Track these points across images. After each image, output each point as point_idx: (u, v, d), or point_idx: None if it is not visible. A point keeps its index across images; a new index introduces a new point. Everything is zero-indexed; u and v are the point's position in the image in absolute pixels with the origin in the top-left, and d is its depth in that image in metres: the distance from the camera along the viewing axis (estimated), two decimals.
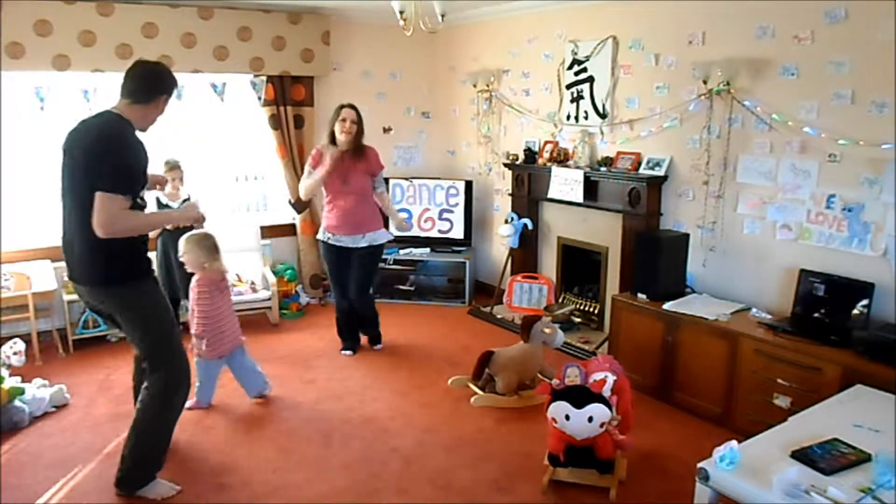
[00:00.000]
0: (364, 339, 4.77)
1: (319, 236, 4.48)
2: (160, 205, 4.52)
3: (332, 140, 4.23)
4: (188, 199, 4.63)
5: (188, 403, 3.29)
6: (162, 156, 4.60)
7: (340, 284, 4.50)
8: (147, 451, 2.94)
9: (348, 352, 4.65)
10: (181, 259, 3.73)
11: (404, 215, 4.64)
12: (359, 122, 4.23)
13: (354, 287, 4.46)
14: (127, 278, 2.83)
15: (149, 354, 2.92)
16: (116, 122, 2.73)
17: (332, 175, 4.19)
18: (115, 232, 2.65)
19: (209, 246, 3.64)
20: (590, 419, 2.79)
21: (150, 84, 2.83)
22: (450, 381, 4.14)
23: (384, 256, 5.08)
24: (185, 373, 2.99)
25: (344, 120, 4.17)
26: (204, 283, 3.65)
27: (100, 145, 2.65)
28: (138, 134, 2.78)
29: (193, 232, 3.64)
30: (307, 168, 4.32)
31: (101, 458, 3.30)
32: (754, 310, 3.74)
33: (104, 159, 2.62)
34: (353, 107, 4.23)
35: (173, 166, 4.63)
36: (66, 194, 2.78)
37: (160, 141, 5.09)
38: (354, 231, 4.33)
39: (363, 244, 4.35)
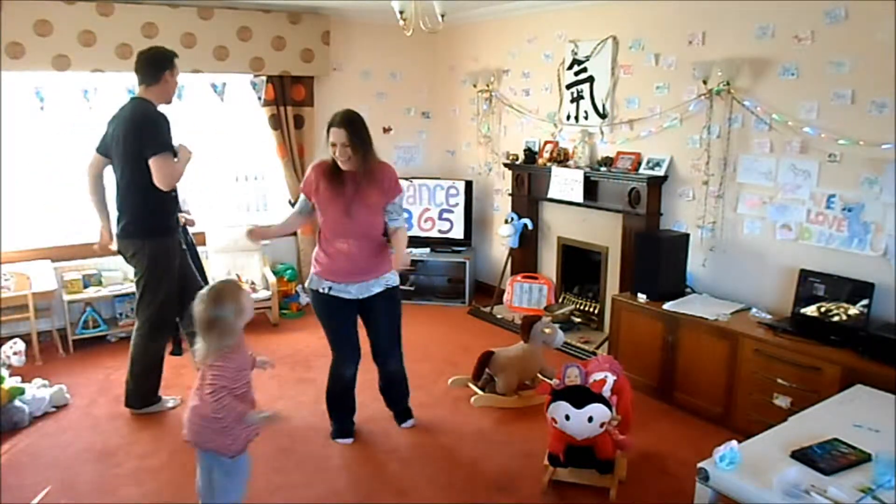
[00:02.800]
0: (387, 413, 3.68)
1: (311, 285, 3.29)
2: None
3: (333, 163, 3.15)
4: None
5: None
6: None
7: (350, 345, 3.35)
8: (142, 377, 3.71)
9: (347, 439, 3.47)
10: None
11: (408, 260, 3.19)
12: (354, 140, 3.05)
13: (382, 343, 3.43)
14: (158, 233, 3.57)
15: (141, 295, 3.62)
16: (141, 104, 3.48)
17: (329, 205, 3.17)
18: (175, 181, 3.46)
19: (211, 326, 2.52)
20: (590, 419, 2.79)
21: (151, 66, 3.48)
22: (450, 381, 4.14)
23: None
24: (167, 320, 3.71)
25: (334, 144, 3.07)
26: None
27: (137, 123, 3.40)
28: (162, 107, 3.52)
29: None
30: (300, 196, 3.34)
31: (101, 458, 3.30)
32: (754, 310, 3.74)
33: (145, 132, 3.37)
34: (344, 122, 3.06)
35: None
36: (120, 168, 3.53)
37: None
38: (363, 277, 3.24)
39: (377, 290, 3.29)
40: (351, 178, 3.13)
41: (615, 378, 2.98)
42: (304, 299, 5.71)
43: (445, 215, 5.90)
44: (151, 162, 3.35)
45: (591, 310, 5.05)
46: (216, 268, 5.22)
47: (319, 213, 3.23)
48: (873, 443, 2.34)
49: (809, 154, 3.54)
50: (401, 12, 3.78)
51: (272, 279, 5.31)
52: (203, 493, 2.58)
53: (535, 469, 3.14)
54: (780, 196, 3.69)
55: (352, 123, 3.08)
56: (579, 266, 5.21)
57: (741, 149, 3.84)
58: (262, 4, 5.18)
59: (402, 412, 3.66)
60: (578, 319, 5.05)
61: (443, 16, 3.88)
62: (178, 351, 4.58)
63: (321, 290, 3.26)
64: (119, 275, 4.99)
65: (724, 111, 3.87)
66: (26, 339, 4.41)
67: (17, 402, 3.63)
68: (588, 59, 4.74)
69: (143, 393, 3.75)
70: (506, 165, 5.45)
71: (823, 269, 3.49)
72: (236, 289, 2.50)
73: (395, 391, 3.64)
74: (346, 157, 3.08)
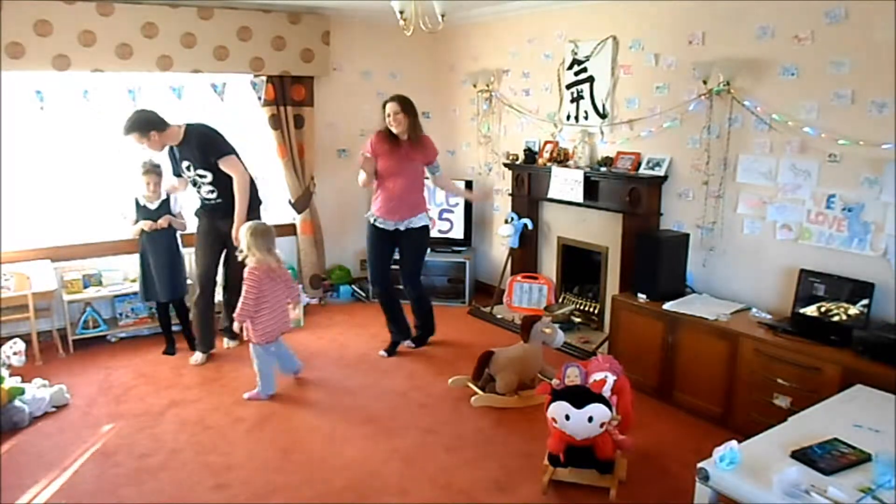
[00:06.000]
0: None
1: (367, 217, 4.51)
2: (138, 206, 4.44)
3: (388, 131, 4.29)
4: (167, 199, 4.50)
5: (248, 394, 3.96)
6: (162, 157, 4.55)
7: (373, 266, 4.56)
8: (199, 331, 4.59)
9: (385, 353, 4.64)
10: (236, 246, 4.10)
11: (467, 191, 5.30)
12: (405, 111, 4.23)
13: (404, 269, 4.58)
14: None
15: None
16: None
17: (387, 158, 4.29)
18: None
19: (262, 237, 3.87)
20: (590, 419, 2.79)
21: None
22: (450, 381, 4.14)
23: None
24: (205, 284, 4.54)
25: (388, 115, 4.24)
26: (254, 269, 3.85)
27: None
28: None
29: (256, 223, 3.97)
30: (361, 154, 4.42)
31: (101, 458, 3.30)
32: (754, 310, 3.74)
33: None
34: (397, 98, 4.26)
35: (149, 170, 4.42)
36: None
37: None
38: (401, 216, 4.38)
39: (402, 227, 4.41)
40: (404, 143, 4.31)
41: (615, 378, 2.98)
42: (305, 299, 5.70)
43: (445, 215, 5.89)
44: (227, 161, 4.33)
45: (591, 310, 5.05)
46: None
47: (379, 164, 4.35)
48: (873, 443, 2.34)
49: (809, 154, 3.53)
50: (401, 12, 3.78)
51: None
52: (290, 362, 4.18)
53: (535, 469, 3.14)
54: (780, 196, 3.69)
55: (406, 100, 4.29)
56: (579, 266, 5.21)
57: (741, 149, 3.84)
58: (262, 4, 5.18)
59: (418, 338, 4.76)
60: (578, 319, 5.05)
61: (443, 16, 3.88)
62: (171, 350, 4.63)
63: (371, 221, 4.48)
64: (119, 275, 4.99)
65: (724, 111, 3.87)
66: (26, 339, 4.41)
67: (17, 402, 3.63)
68: (588, 59, 4.73)
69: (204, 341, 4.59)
70: (506, 165, 5.45)
71: (823, 269, 3.49)
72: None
73: (421, 315, 4.74)
74: (400, 123, 4.24)
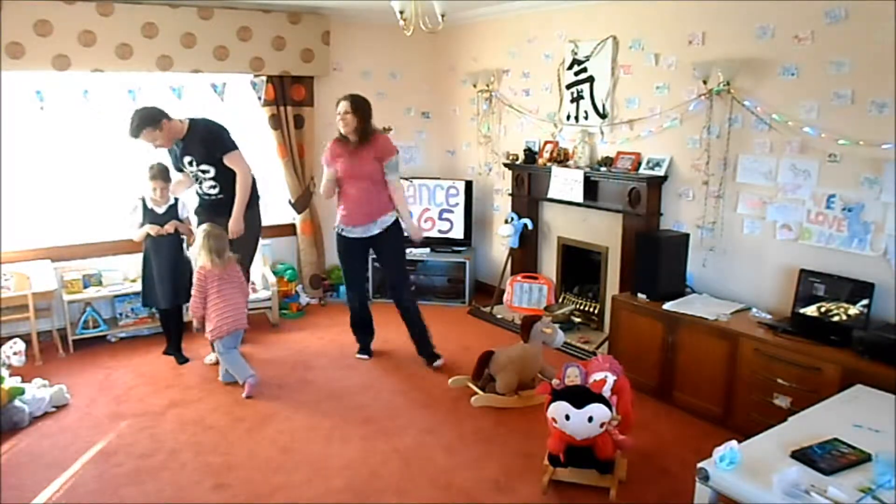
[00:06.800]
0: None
1: (335, 228, 4.39)
2: (146, 208, 4.35)
3: (341, 135, 4.19)
4: (175, 204, 4.43)
5: (244, 392, 4.00)
6: (162, 157, 4.54)
7: (349, 278, 4.46)
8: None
9: (363, 355, 4.58)
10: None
11: (416, 226, 4.57)
12: (356, 110, 4.06)
13: (390, 276, 4.44)
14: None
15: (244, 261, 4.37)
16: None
17: (341, 164, 4.17)
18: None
19: (213, 240, 3.99)
20: (590, 419, 2.79)
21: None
22: (450, 381, 4.14)
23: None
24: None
25: (338, 114, 4.11)
26: (199, 269, 4.05)
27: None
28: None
29: (211, 226, 4.06)
30: (323, 166, 4.33)
31: (101, 458, 3.30)
32: (754, 310, 3.74)
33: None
34: (349, 98, 4.11)
35: (156, 174, 4.33)
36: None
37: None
38: (364, 220, 4.21)
39: (376, 231, 4.23)
40: (353, 144, 4.13)
41: (615, 378, 2.98)
42: (305, 299, 5.71)
43: (445, 215, 5.89)
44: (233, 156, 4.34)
45: (591, 310, 5.05)
46: None
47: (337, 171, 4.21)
48: (873, 443, 2.34)
49: (809, 154, 3.53)
50: (401, 12, 3.77)
51: (272, 279, 5.31)
52: (240, 369, 4.04)
53: (535, 469, 3.14)
54: (780, 196, 3.69)
55: (358, 100, 4.12)
56: (579, 266, 5.21)
57: (741, 149, 3.84)
58: (262, 4, 5.18)
59: (429, 356, 4.44)
60: (578, 319, 5.05)
61: (443, 16, 3.88)
62: (178, 356, 4.58)
63: (338, 231, 4.32)
64: (119, 275, 4.99)
65: (724, 111, 3.87)
66: (26, 339, 4.41)
67: (17, 402, 3.63)
68: (588, 59, 4.73)
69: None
70: (506, 165, 5.45)
71: (823, 269, 3.49)
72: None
73: (415, 330, 4.45)
74: (347, 122, 4.07)
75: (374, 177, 4.17)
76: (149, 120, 4.02)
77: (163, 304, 4.44)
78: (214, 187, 4.32)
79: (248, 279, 4.51)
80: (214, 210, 4.35)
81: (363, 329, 4.62)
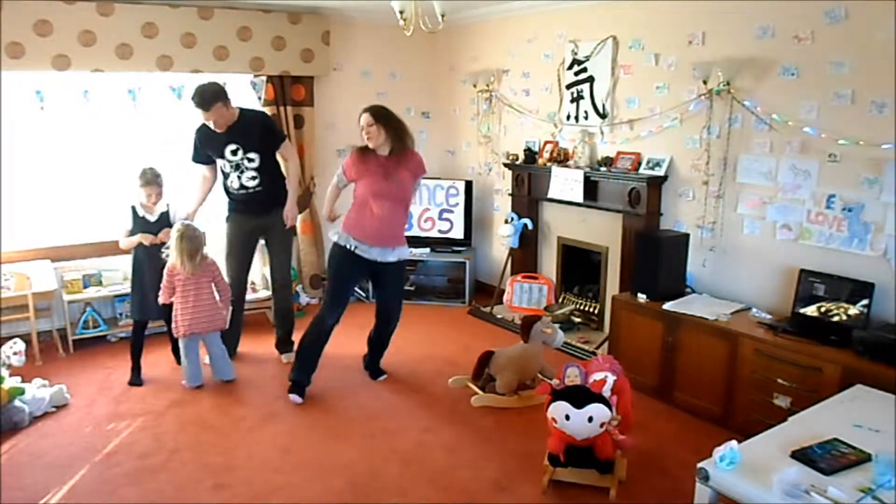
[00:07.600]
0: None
1: (338, 240, 3.83)
2: (136, 216, 4.14)
3: (366, 147, 3.78)
4: (166, 212, 4.20)
5: (182, 382, 4.09)
6: (165, 158, 4.51)
7: (341, 298, 3.90)
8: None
9: (297, 397, 3.90)
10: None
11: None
12: (381, 121, 3.70)
13: (390, 302, 4.07)
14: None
15: (282, 259, 4.50)
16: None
17: (369, 178, 3.75)
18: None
19: (186, 241, 3.94)
20: (590, 419, 2.79)
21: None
22: (450, 381, 4.14)
23: None
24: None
25: (361, 128, 3.74)
26: (169, 268, 4.01)
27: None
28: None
29: (188, 224, 4.01)
30: (337, 175, 3.93)
31: (101, 458, 3.30)
32: (754, 310, 3.74)
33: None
34: (369, 109, 3.74)
35: (150, 180, 4.11)
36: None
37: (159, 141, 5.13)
38: (387, 243, 3.81)
39: (391, 259, 3.86)
40: (387, 157, 3.78)
41: (615, 378, 2.98)
42: (304, 299, 5.71)
43: (445, 215, 5.89)
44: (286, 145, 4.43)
45: (591, 310, 5.05)
46: None
47: (359, 184, 3.83)
48: (873, 443, 2.34)
49: (809, 154, 3.53)
50: (401, 12, 3.77)
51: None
52: (191, 370, 4.07)
53: (535, 469, 3.14)
54: (780, 196, 3.69)
55: (382, 111, 3.78)
56: (579, 266, 5.21)
57: (741, 149, 3.84)
58: (262, 4, 5.18)
59: (376, 371, 4.29)
60: (578, 319, 5.05)
61: (443, 16, 3.88)
62: (179, 357, 4.53)
63: (347, 246, 3.79)
64: (119, 275, 4.99)
65: (724, 111, 3.87)
66: (26, 339, 4.40)
67: (17, 402, 3.63)
68: (588, 59, 4.74)
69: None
70: (506, 165, 5.45)
71: (823, 269, 3.49)
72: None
73: (381, 347, 4.26)
74: (372, 135, 3.72)
75: (406, 197, 3.86)
76: (223, 94, 4.05)
77: (156, 316, 4.24)
78: (255, 178, 4.19)
79: (289, 273, 4.60)
80: (252, 206, 4.26)
81: (312, 356, 3.98)
